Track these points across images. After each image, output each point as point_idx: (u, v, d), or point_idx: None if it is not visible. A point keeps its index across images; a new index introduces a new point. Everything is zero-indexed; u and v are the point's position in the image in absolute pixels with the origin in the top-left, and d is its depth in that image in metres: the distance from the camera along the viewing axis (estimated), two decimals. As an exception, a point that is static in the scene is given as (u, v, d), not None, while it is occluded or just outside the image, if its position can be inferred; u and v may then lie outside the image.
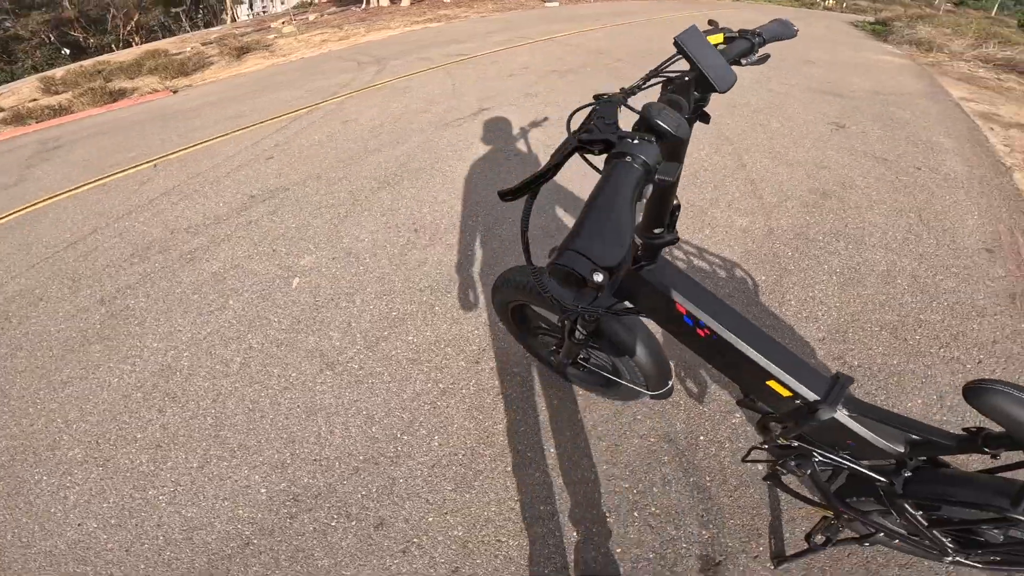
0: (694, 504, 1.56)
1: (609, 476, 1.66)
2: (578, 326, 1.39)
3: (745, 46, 1.07)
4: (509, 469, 1.72)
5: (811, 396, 0.96)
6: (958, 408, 1.78)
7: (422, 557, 1.51)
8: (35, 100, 8.03)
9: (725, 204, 3.05)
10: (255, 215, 3.38)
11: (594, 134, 0.75)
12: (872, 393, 1.87)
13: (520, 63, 6.61)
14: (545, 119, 4.48)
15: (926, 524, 0.99)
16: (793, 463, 1.14)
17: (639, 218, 1.09)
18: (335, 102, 5.64)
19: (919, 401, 1.82)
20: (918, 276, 2.37)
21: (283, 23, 14.27)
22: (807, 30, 8.16)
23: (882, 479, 1.00)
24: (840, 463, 1.05)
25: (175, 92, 7.48)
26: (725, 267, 2.52)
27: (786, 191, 3.18)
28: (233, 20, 19.53)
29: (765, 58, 1.12)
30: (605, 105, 0.79)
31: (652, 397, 1.53)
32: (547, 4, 13.42)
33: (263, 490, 1.73)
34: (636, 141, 0.70)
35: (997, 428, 0.81)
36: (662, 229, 1.05)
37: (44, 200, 4.00)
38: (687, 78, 0.89)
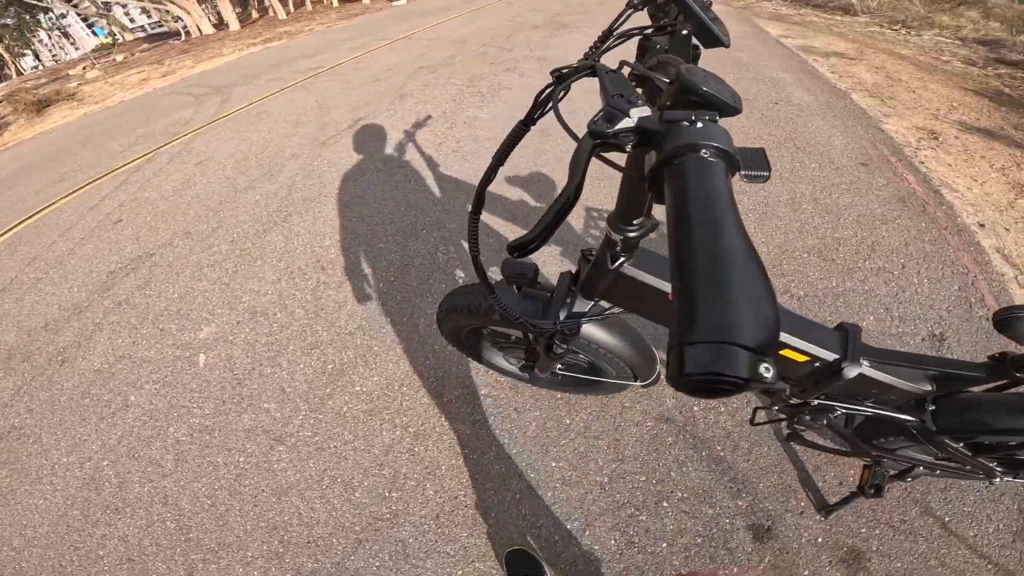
0: (718, 477, 1.53)
1: (622, 473, 1.58)
2: (556, 340, 1.21)
3: None
4: (519, 496, 1.57)
5: (830, 356, 0.90)
6: (908, 318, 1.90)
7: (463, 624, 1.33)
8: None
9: (631, 169, 3.10)
10: (122, 293, 2.82)
11: (618, 121, 0.51)
12: (827, 320, 1.92)
13: (384, 66, 6.28)
14: (428, 117, 4.27)
15: (970, 454, 0.99)
16: (808, 418, 1.09)
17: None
18: (179, 143, 4.94)
19: (871, 318, 1.92)
20: (818, 199, 2.58)
21: (84, 68, 12.45)
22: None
23: (910, 418, 0.98)
24: (863, 412, 1.02)
25: (-36, 168, 6.11)
26: (656, 231, 2.54)
27: (679, 145, 3.31)
28: (19, 74, 16.68)
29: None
30: (612, 76, 0.58)
31: (643, 387, 1.46)
32: (394, 3, 13.00)
33: (270, 586, 1.47)
34: (699, 124, 0.46)
35: (1020, 351, 0.82)
36: (641, 218, 0.87)
37: None
38: (684, 32, 0.73)
